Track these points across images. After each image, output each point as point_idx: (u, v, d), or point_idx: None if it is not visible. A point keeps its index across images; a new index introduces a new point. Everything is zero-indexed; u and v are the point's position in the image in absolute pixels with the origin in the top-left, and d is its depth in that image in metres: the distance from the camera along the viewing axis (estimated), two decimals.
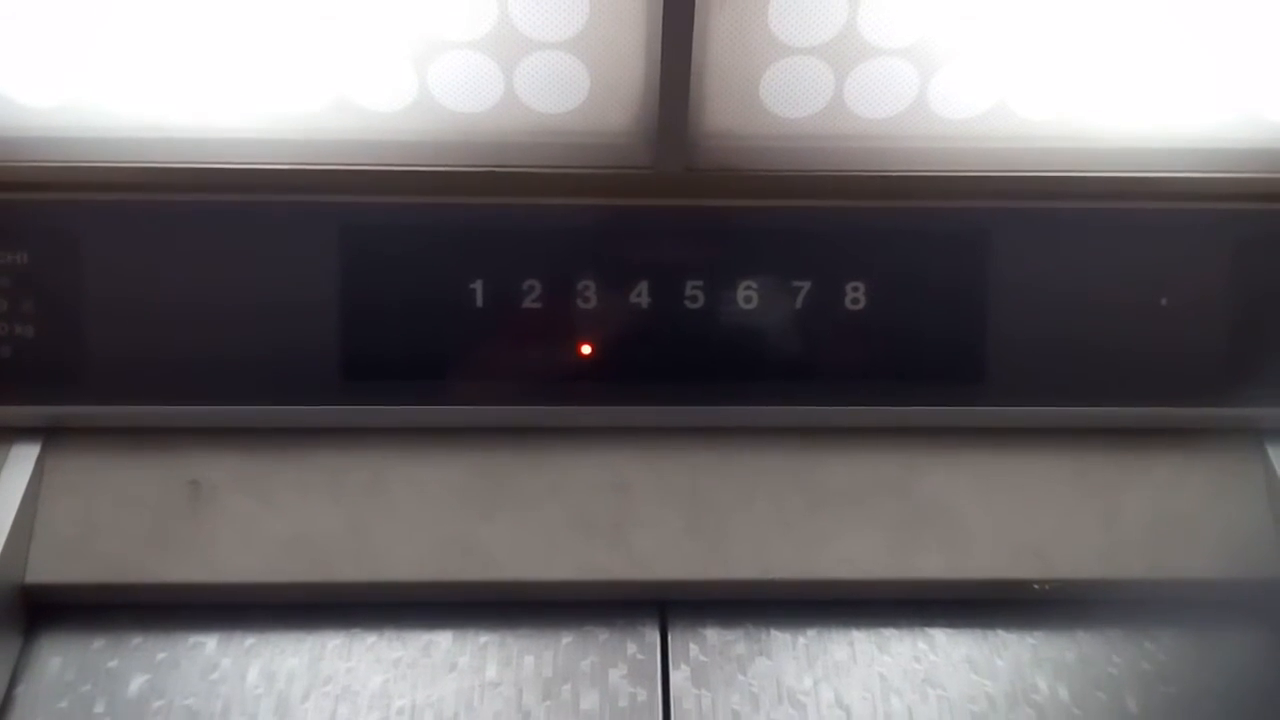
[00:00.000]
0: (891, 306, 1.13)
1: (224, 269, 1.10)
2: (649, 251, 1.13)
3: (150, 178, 1.08)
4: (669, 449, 1.14)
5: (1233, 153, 1.12)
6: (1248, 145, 1.11)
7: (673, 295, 1.12)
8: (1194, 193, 1.13)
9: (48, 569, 1.08)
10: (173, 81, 1.04)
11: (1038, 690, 1.09)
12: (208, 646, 1.08)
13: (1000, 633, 1.12)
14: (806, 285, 1.13)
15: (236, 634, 1.08)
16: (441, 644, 1.09)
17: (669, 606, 1.12)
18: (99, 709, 1.04)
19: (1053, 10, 1.02)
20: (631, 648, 1.09)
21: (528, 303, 1.12)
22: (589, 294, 1.12)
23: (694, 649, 1.09)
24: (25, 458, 1.10)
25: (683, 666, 1.08)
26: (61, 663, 1.07)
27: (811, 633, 1.11)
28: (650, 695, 1.06)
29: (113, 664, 1.07)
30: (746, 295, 1.13)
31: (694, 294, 1.12)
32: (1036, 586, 1.11)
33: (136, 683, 1.06)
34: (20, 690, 1.05)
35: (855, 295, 1.13)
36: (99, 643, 1.08)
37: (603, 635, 1.10)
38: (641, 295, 1.12)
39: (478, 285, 1.11)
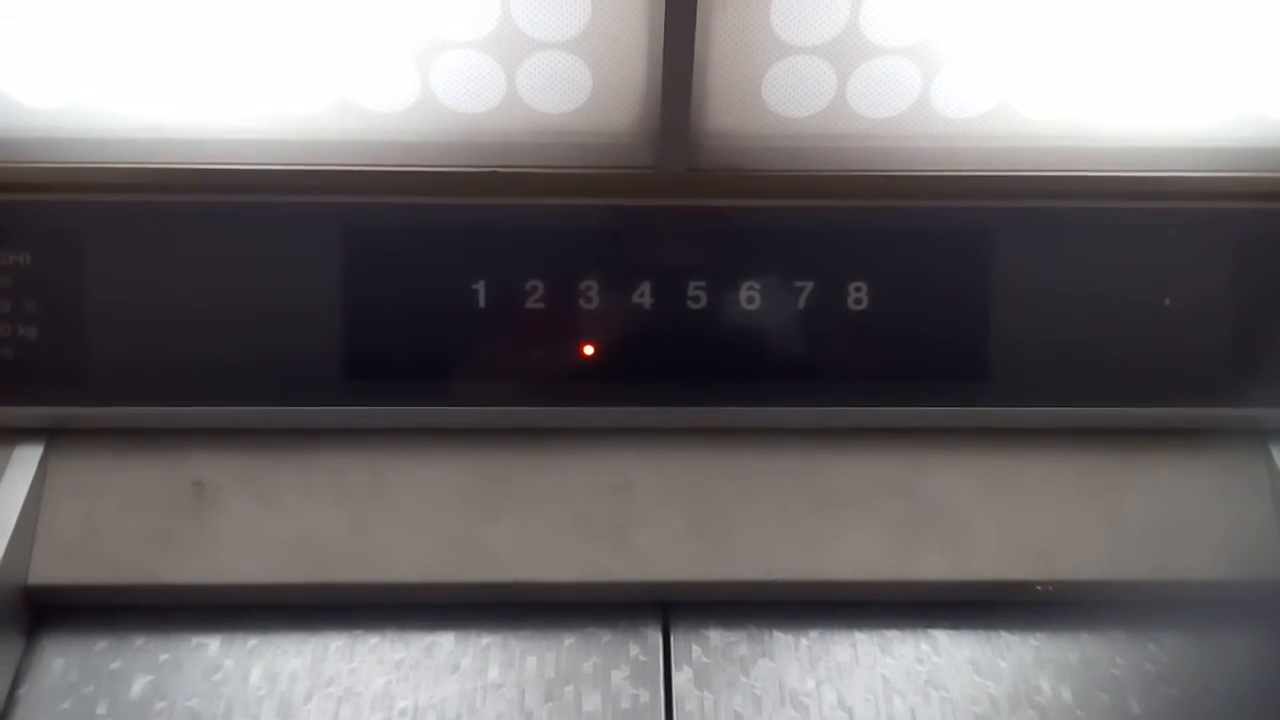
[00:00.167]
0: (894, 306, 1.13)
1: (226, 270, 1.10)
2: (651, 252, 1.13)
3: (153, 179, 1.08)
4: (671, 450, 1.14)
5: (1236, 152, 1.11)
6: (1251, 144, 1.11)
7: (675, 296, 1.12)
8: (1197, 192, 1.13)
9: (51, 570, 1.08)
10: (175, 82, 1.04)
11: (1040, 692, 1.09)
12: (210, 648, 1.08)
13: (1003, 634, 1.12)
14: (809, 285, 1.13)
15: (239, 635, 1.08)
16: (444, 645, 1.09)
17: (671, 608, 1.12)
18: (101, 710, 1.04)
19: (1055, 9, 1.01)
20: (634, 649, 1.09)
21: (530, 303, 1.12)
22: (591, 294, 1.12)
23: (696, 650, 1.09)
24: (28, 459, 1.10)
25: (685, 668, 1.08)
26: (64, 664, 1.07)
27: (814, 634, 1.11)
28: (653, 696, 1.06)
29: (115, 665, 1.07)
30: (749, 295, 1.12)
31: (697, 294, 1.12)
32: (1039, 588, 1.11)
33: (139, 684, 1.06)
34: (23, 691, 1.05)
35: (858, 295, 1.13)
36: (102, 644, 1.08)
37: (605, 636, 1.10)
38: (644, 296, 1.12)
39: (480, 286, 1.11)
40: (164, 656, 1.07)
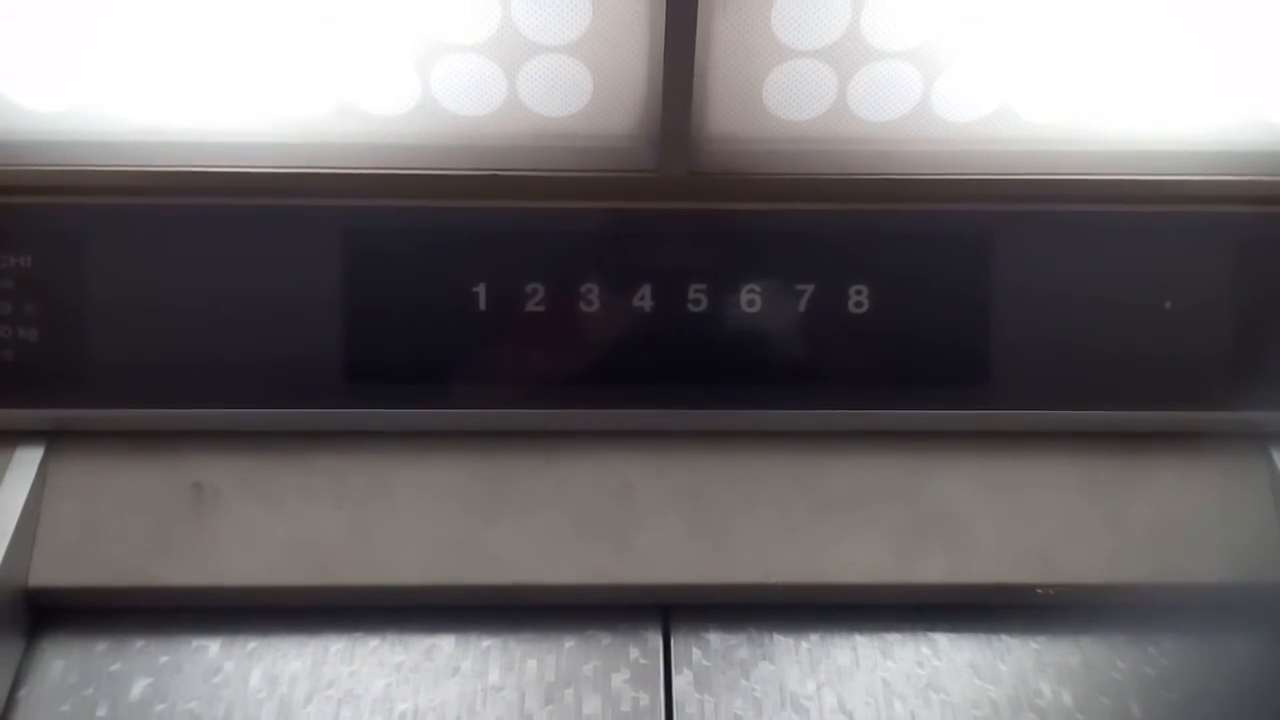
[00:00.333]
0: (895, 310, 1.13)
1: (227, 272, 1.11)
2: (652, 255, 1.13)
3: (154, 181, 1.08)
4: (672, 453, 1.14)
5: (1237, 155, 1.12)
6: (1252, 148, 1.11)
7: (676, 299, 1.12)
8: (1198, 196, 1.13)
9: (51, 572, 1.08)
10: (176, 86, 1.04)
11: (1041, 695, 1.09)
12: (210, 650, 1.08)
13: (1004, 637, 1.12)
14: (810, 288, 1.13)
15: (239, 637, 1.09)
16: (444, 648, 1.09)
17: (672, 611, 1.12)
18: (101, 712, 1.04)
19: (1056, 13, 1.02)
20: (634, 652, 1.09)
21: (531, 306, 1.12)
22: (592, 297, 1.12)
23: (697, 653, 1.09)
24: (29, 461, 1.10)
25: (685, 671, 1.08)
26: (64, 666, 1.07)
27: (814, 637, 1.11)
28: (653, 700, 1.06)
29: (115, 667, 1.07)
30: (750, 299, 1.12)
31: (697, 297, 1.12)
32: (1040, 591, 1.11)
33: (139, 686, 1.06)
34: (23, 693, 1.05)
35: (859, 298, 1.13)
36: (102, 646, 1.08)
37: (605, 639, 1.10)
38: (645, 299, 1.12)
39: (481, 289, 1.11)
40: (164, 659, 1.07)
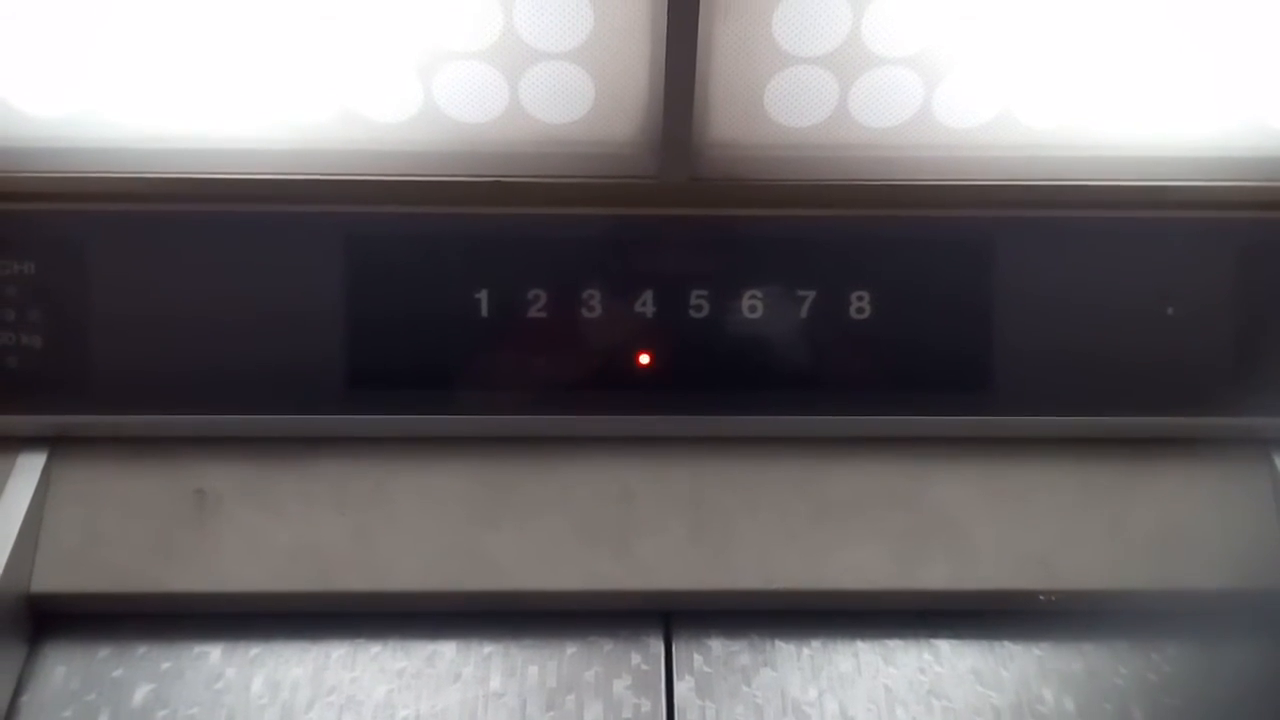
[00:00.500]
0: (896, 315, 1.13)
1: (230, 279, 1.11)
2: (654, 261, 1.13)
3: (156, 188, 1.09)
4: (673, 458, 1.14)
5: (1238, 161, 1.12)
6: (1253, 153, 1.11)
7: (678, 305, 1.12)
8: (1200, 201, 1.13)
9: (53, 578, 1.08)
10: (178, 92, 1.05)
11: (1043, 702, 1.08)
12: (212, 656, 1.08)
13: (1006, 644, 1.11)
14: (811, 294, 1.13)
15: (241, 644, 1.09)
16: (446, 654, 1.09)
17: (673, 617, 1.12)
18: (103, 718, 1.04)
19: (1057, 19, 1.02)
20: (636, 658, 1.09)
21: (533, 312, 1.12)
22: (594, 304, 1.12)
23: (698, 659, 1.09)
24: (31, 467, 1.11)
25: (687, 677, 1.08)
26: (66, 672, 1.07)
27: (816, 644, 1.11)
28: (654, 706, 1.06)
29: (117, 673, 1.07)
30: (751, 305, 1.12)
31: (699, 303, 1.12)
32: (1042, 598, 1.11)
33: (141, 692, 1.06)
34: (25, 699, 1.05)
35: (860, 304, 1.13)
36: (104, 652, 1.08)
37: (607, 646, 1.10)
38: (646, 305, 1.12)
39: (483, 295, 1.11)
40: (166, 665, 1.07)
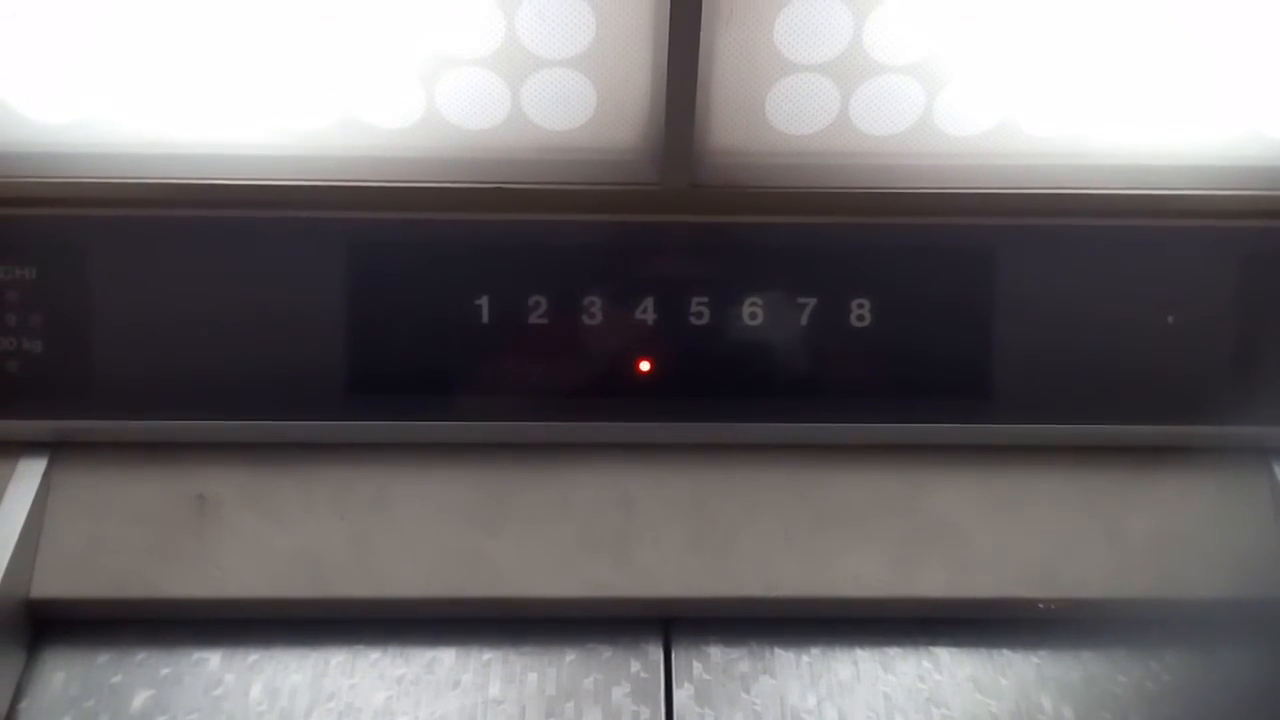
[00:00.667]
0: (897, 323, 1.13)
1: (231, 284, 1.11)
2: (655, 267, 1.13)
3: (158, 193, 1.09)
4: (673, 465, 1.14)
5: (1240, 170, 1.12)
6: (1254, 162, 1.11)
7: (678, 311, 1.12)
8: (1201, 210, 1.13)
9: (53, 583, 1.08)
10: (181, 97, 1.04)
11: (1043, 710, 1.08)
12: (211, 662, 1.08)
13: (1005, 652, 1.11)
14: (812, 302, 1.13)
15: (240, 650, 1.08)
16: (445, 661, 1.09)
17: (673, 624, 1.12)
18: None
19: (1059, 28, 1.02)
20: (635, 665, 1.09)
21: (534, 319, 1.12)
22: (595, 310, 1.12)
23: (697, 667, 1.09)
24: (31, 472, 1.10)
25: (686, 685, 1.08)
26: (65, 677, 1.07)
27: (815, 651, 1.11)
28: (654, 713, 1.06)
29: (117, 679, 1.07)
30: (752, 311, 1.13)
31: (700, 310, 1.12)
32: (1041, 605, 1.11)
33: (140, 698, 1.06)
34: (24, 705, 1.05)
35: (861, 312, 1.13)
36: (103, 658, 1.08)
37: (606, 653, 1.10)
38: (647, 311, 1.12)
39: (484, 301, 1.11)
40: (165, 671, 1.07)
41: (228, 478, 1.12)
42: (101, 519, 1.10)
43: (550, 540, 1.10)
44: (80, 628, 1.09)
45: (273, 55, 1.02)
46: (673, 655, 1.10)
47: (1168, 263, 1.14)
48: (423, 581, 1.09)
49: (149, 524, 1.10)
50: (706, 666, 1.09)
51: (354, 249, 1.11)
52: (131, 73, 1.03)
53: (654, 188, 1.09)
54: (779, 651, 1.10)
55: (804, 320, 1.13)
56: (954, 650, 1.11)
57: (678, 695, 1.07)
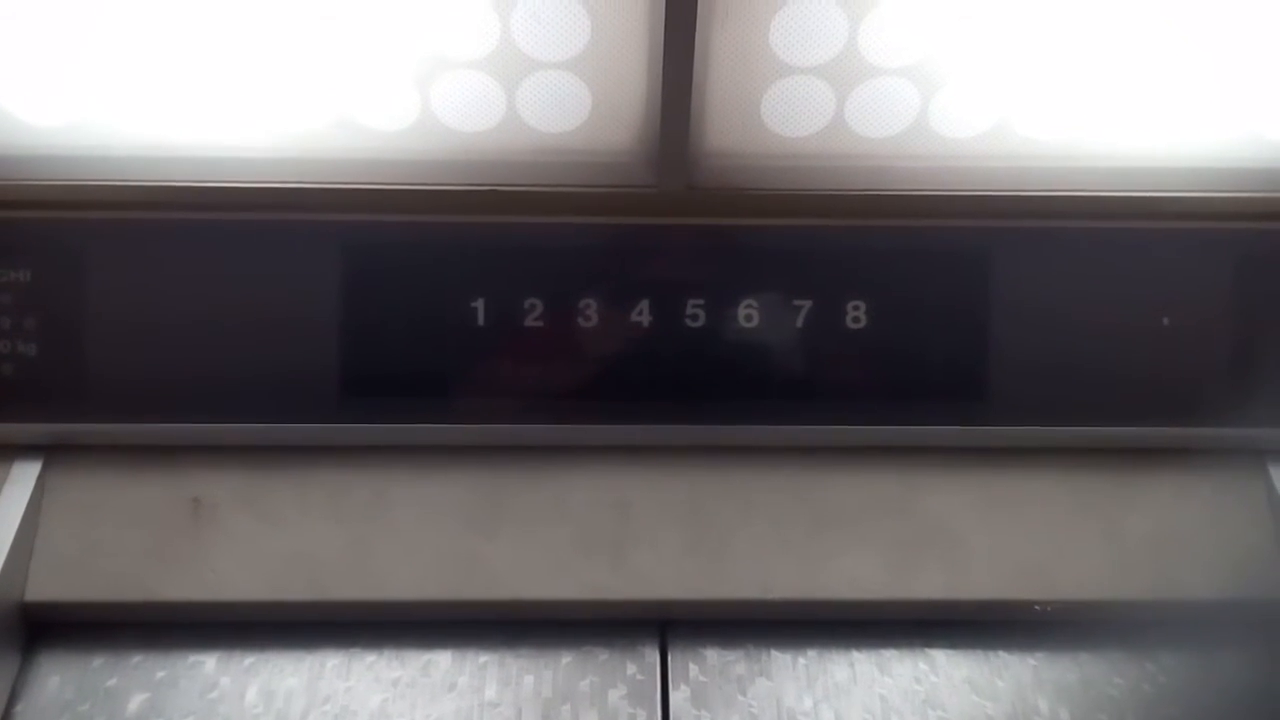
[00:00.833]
0: (892, 325, 1.13)
1: (226, 287, 1.11)
2: (650, 270, 1.13)
3: (153, 196, 1.09)
4: (670, 468, 1.14)
5: (1234, 172, 1.12)
6: (1249, 164, 1.11)
7: (674, 314, 1.12)
8: (1195, 212, 1.13)
9: (48, 587, 1.08)
10: (176, 100, 1.05)
11: (1039, 712, 1.08)
12: (207, 665, 1.08)
13: (1001, 654, 1.11)
14: (807, 304, 1.13)
15: (236, 653, 1.08)
16: (441, 664, 1.08)
17: (669, 626, 1.12)
18: None
19: (1054, 30, 1.02)
20: (631, 668, 1.09)
21: (529, 321, 1.12)
22: (590, 312, 1.12)
23: (694, 669, 1.09)
24: (26, 475, 1.10)
25: (682, 687, 1.08)
26: (60, 681, 1.07)
27: (812, 653, 1.11)
28: (650, 716, 1.06)
29: (112, 682, 1.07)
30: (747, 314, 1.13)
31: (695, 312, 1.12)
32: (1038, 607, 1.11)
33: (135, 701, 1.05)
34: (19, 709, 1.05)
35: (856, 314, 1.13)
36: (98, 661, 1.08)
37: (602, 655, 1.09)
38: (643, 313, 1.12)
39: (479, 304, 1.11)
40: (160, 674, 1.07)
41: (223, 481, 1.11)
42: (96, 522, 1.10)
43: (546, 543, 1.10)
44: (75, 631, 1.09)
45: (268, 58, 1.02)
46: (669, 657, 1.10)
47: (1163, 265, 1.14)
48: (419, 584, 1.09)
49: (144, 527, 1.10)
50: (703, 669, 1.09)
51: (349, 251, 1.11)
52: (125, 75, 1.03)
53: (649, 190, 1.09)
54: (775, 654, 1.10)
55: (800, 322, 1.13)
56: (950, 652, 1.11)
57: (674, 697, 1.07)
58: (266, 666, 1.08)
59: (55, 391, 1.10)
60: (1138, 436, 1.15)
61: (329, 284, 1.11)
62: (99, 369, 1.10)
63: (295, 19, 1.00)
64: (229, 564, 1.09)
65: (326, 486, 1.12)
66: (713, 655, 1.10)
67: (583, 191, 1.10)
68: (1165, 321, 1.14)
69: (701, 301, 1.12)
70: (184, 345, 1.10)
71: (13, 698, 1.05)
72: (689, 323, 1.12)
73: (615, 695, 1.07)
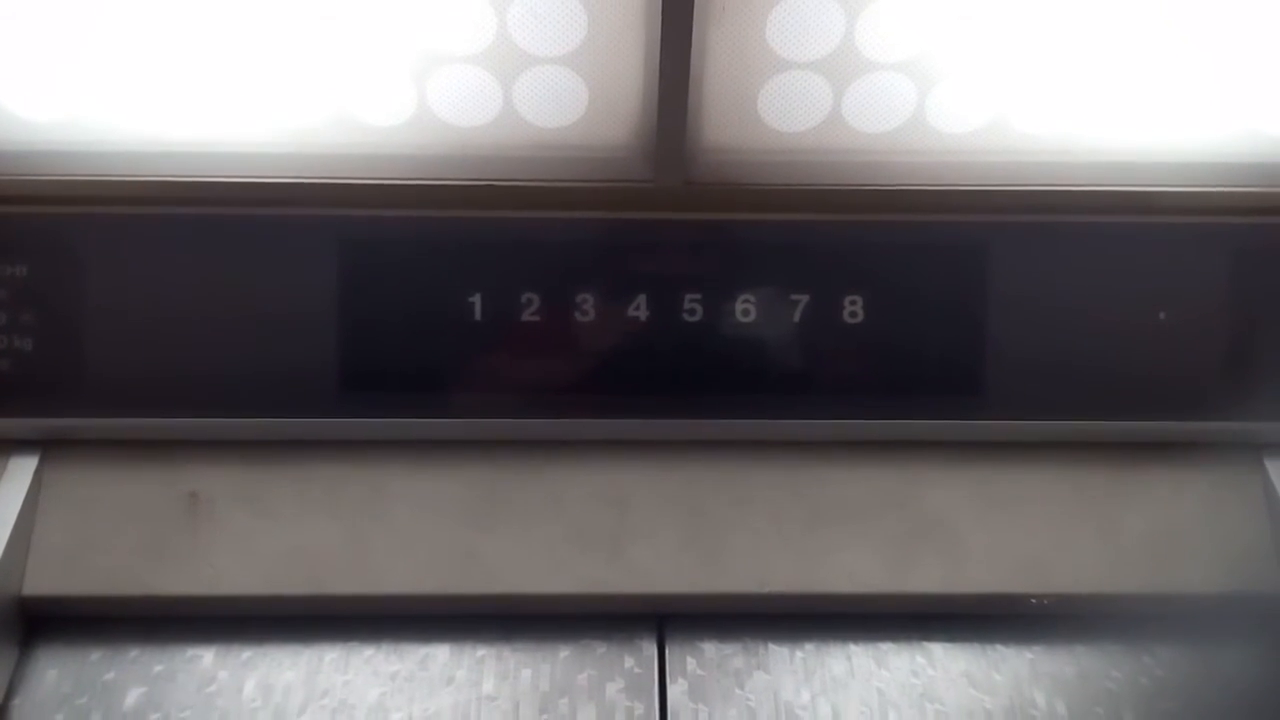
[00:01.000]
0: (889, 320, 1.13)
1: (223, 281, 1.11)
2: (647, 265, 1.13)
3: (150, 191, 1.09)
4: (667, 462, 1.14)
5: (1230, 167, 1.12)
6: (1245, 159, 1.11)
7: (671, 308, 1.12)
8: (1192, 207, 1.14)
9: (45, 581, 1.08)
10: (173, 95, 1.05)
11: (1036, 705, 1.09)
12: (204, 659, 1.08)
13: (998, 647, 1.12)
14: (805, 298, 1.13)
15: (233, 647, 1.08)
16: (439, 657, 1.09)
17: (666, 620, 1.12)
18: None
19: (1051, 25, 1.02)
20: (629, 661, 1.09)
21: (526, 316, 1.12)
22: (587, 307, 1.12)
23: (691, 663, 1.09)
24: (23, 470, 1.10)
25: (680, 680, 1.08)
26: (58, 675, 1.07)
27: (809, 647, 1.11)
28: (648, 709, 1.06)
29: (109, 676, 1.07)
30: (745, 308, 1.13)
31: (692, 307, 1.13)
32: (1034, 601, 1.11)
33: (133, 695, 1.06)
34: (16, 702, 1.05)
35: (853, 308, 1.13)
36: (96, 655, 1.08)
37: (600, 649, 1.10)
38: (640, 308, 1.12)
39: (476, 298, 1.11)
40: (158, 668, 1.07)
41: (220, 475, 1.12)
42: (94, 517, 1.10)
43: (544, 537, 1.11)
44: (72, 625, 1.09)
45: (264, 53, 1.02)
46: (666, 651, 1.10)
47: (1159, 259, 1.14)
48: (416, 578, 1.09)
49: (141, 521, 1.10)
50: (700, 662, 1.09)
51: (346, 246, 1.11)
52: (122, 70, 1.03)
53: (646, 185, 1.10)
54: (773, 647, 1.11)
55: (797, 317, 1.13)
56: (948, 646, 1.11)
57: (672, 691, 1.07)
58: (264, 660, 1.08)
59: (52, 386, 1.10)
60: (1134, 431, 1.15)
61: (326, 279, 1.11)
62: (96, 364, 1.10)
63: (292, 14, 1.00)
64: (226, 558, 1.09)
65: (324, 481, 1.12)
66: (710, 649, 1.10)
67: (579, 186, 1.10)
68: (1162, 316, 1.14)
69: (699, 296, 1.12)
70: (181, 340, 1.10)
71: (10, 691, 1.05)
72: (686, 318, 1.12)
73: (613, 689, 1.07)
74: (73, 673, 1.07)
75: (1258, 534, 1.14)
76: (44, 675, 1.07)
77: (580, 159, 1.09)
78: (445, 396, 1.12)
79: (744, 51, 1.01)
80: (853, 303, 1.13)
